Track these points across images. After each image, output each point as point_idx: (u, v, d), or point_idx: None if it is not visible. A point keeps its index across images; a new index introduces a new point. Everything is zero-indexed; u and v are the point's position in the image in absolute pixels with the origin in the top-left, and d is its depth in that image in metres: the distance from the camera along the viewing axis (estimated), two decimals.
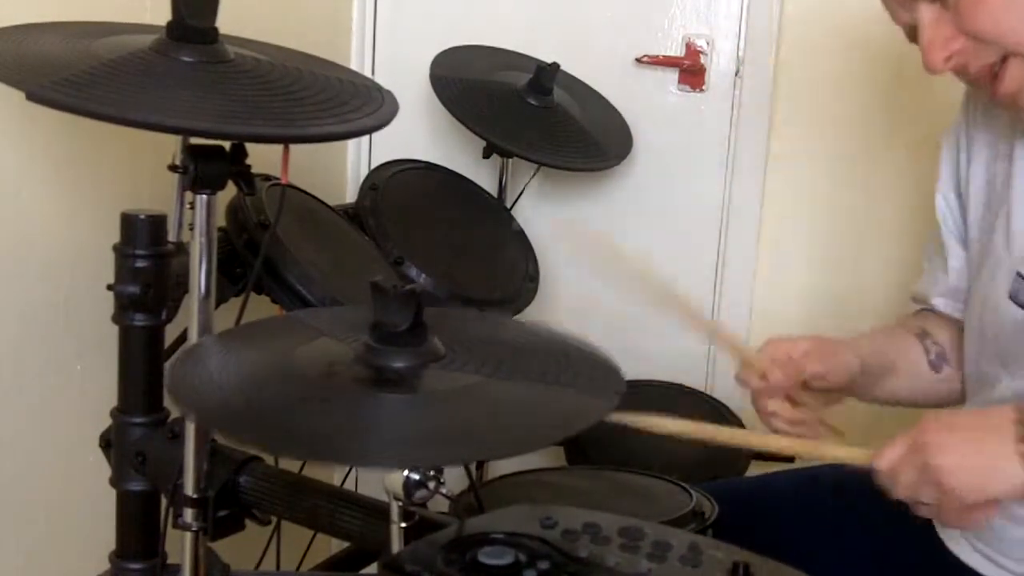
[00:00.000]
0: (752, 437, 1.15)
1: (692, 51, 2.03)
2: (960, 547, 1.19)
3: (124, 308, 1.14)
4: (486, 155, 1.83)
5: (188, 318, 1.11)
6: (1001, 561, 1.15)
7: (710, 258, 2.08)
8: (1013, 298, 1.13)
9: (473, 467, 1.64)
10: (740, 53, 2.02)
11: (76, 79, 0.95)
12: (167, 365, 1.16)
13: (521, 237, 1.90)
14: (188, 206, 1.09)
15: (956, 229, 1.27)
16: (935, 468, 0.97)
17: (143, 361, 1.16)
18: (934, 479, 0.97)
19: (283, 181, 1.11)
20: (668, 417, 1.11)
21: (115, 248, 1.13)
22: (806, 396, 1.19)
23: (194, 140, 1.05)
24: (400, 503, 0.88)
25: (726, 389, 2.07)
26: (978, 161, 1.23)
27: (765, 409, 1.19)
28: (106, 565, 1.20)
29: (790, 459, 1.99)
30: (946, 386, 1.30)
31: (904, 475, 1.00)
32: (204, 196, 1.07)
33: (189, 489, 1.12)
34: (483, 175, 1.96)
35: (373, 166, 1.91)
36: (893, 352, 1.28)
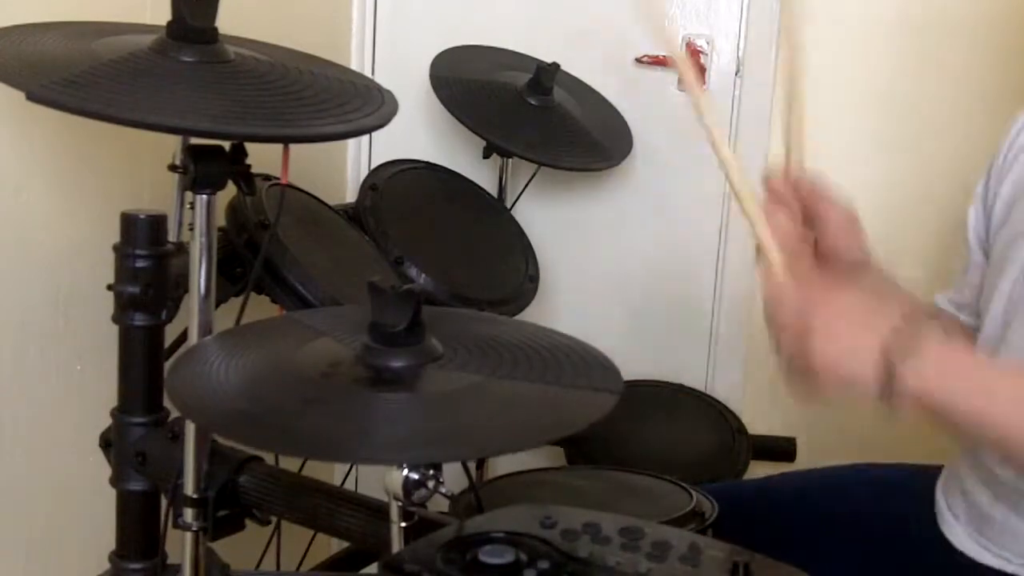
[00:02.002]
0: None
1: (692, 51, 2.03)
2: (962, 540, 1.19)
3: (124, 308, 1.14)
4: (486, 155, 1.83)
5: (188, 318, 1.11)
6: (1004, 554, 1.15)
7: (710, 258, 2.08)
8: None
9: (473, 467, 1.64)
10: (740, 53, 2.02)
11: (76, 79, 0.95)
12: (167, 365, 1.16)
13: (521, 237, 1.90)
14: (188, 206, 1.09)
15: (980, 237, 1.26)
16: (810, 322, 0.95)
17: (143, 361, 1.16)
18: (805, 335, 0.95)
19: (283, 181, 1.11)
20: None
21: (115, 248, 1.14)
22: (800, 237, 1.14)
23: (194, 140, 1.05)
24: (400, 503, 0.88)
25: (726, 389, 2.07)
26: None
27: (768, 208, 1.15)
28: (106, 565, 1.21)
29: (791, 459, 2.00)
30: None
31: (782, 315, 0.98)
32: (204, 196, 1.07)
33: (189, 489, 1.12)
34: (483, 175, 1.96)
35: (373, 166, 1.90)
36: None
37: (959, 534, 1.20)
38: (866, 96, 1.99)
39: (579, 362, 0.91)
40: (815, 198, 1.15)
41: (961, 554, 1.19)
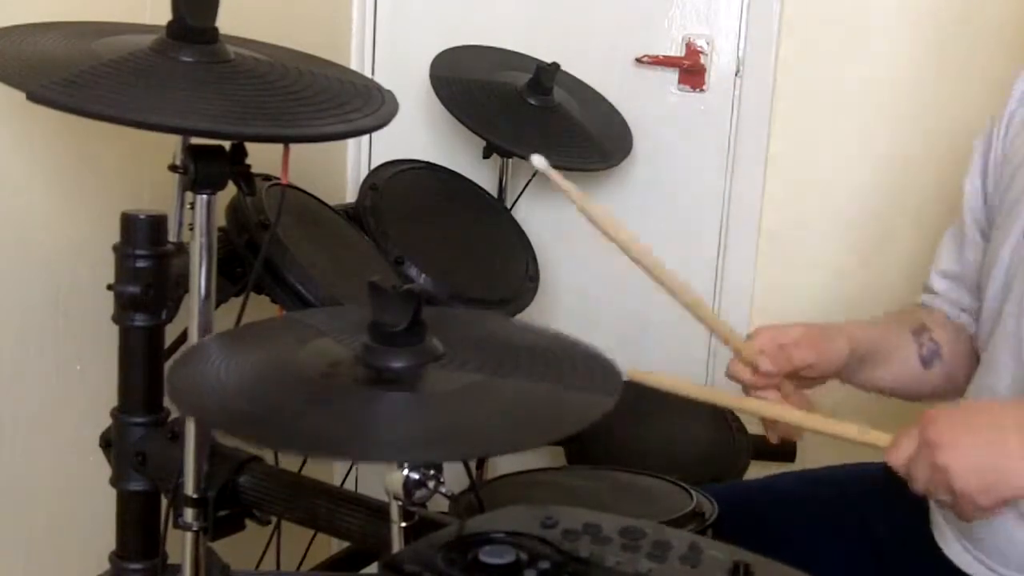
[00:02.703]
0: (766, 407, 1.14)
1: (692, 51, 2.03)
2: (956, 552, 1.19)
3: (124, 308, 1.14)
4: (486, 155, 1.83)
5: (188, 318, 1.11)
6: (998, 569, 1.15)
7: (710, 258, 2.08)
8: None
9: (473, 467, 1.64)
10: (740, 53, 2.02)
11: (76, 79, 0.95)
12: (167, 365, 1.16)
13: (521, 237, 1.90)
14: (188, 206, 1.09)
15: (978, 218, 1.27)
16: (944, 469, 0.96)
17: (143, 361, 1.16)
18: (944, 480, 0.97)
19: (283, 181, 1.11)
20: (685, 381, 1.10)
21: (115, 248, 1.14)
22: (789, 387, 1.18)
23: (194, 140, 1.05)
24: (400, 503, 0.88)
25: (726, 389, 2.07)
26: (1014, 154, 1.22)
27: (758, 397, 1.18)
28: (106, 565, 1.21)
29: (791, 459, 2.00)
30: (932, 383, 1.29)
31: (916, 472, 0.99)
32: (204, 196, 1.07)
33: (189, 489, 1.12)
34: (483, 175, 1.96)
35: (373, 166, 1.90)
36: (885, 343, 1.27)
37: (949, 539, 1.20)
38: (866, 94, 2.00)
39: (579, 362, 0.91)
40: (780, 361, 1.17)
41: (951, 563, 1.19)
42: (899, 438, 1.01)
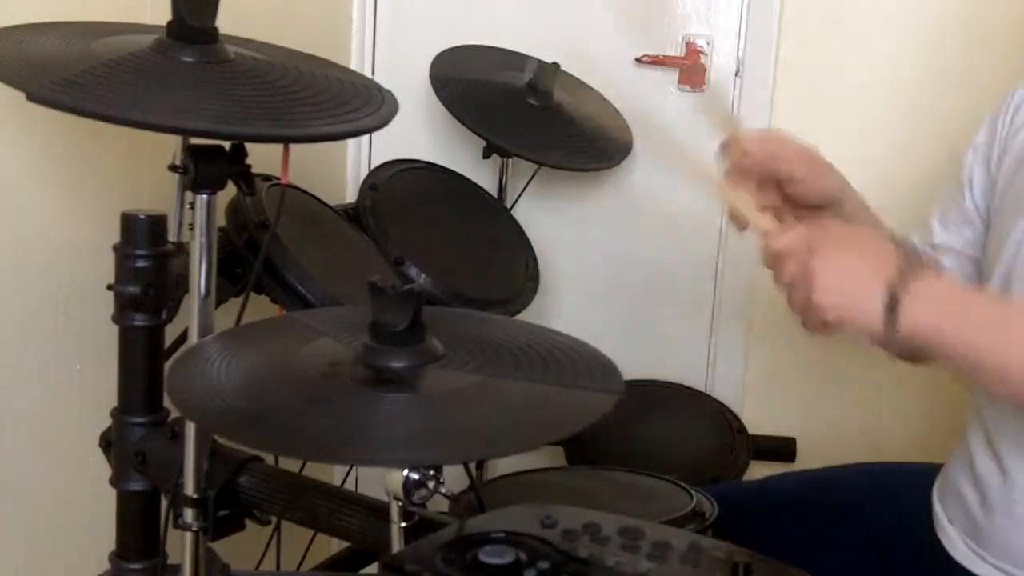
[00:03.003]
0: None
1: (692, 51, 2.03)
2: (960, 551, 1.19)
3: (124, 308, 1.14)
4: (486, 155, 1.83)
5: (188, 318, 1.11)
6: (1002, 566, 1.15)
7: (710, 258, 2.08)
8: None
9: (473, 467, 1.64)
10: (740, 53, 2.02)
11: (76, 79, 0.95)
12: (167, 365, 1.16)
13: (521, 237, 1.90)
14: (188, 206, 1.09)
15: (977, 192, 1.26)
16: (812, 275, 0.97)
17: (143, 361, 1.16)
18: (807, 283, 0.98)
19: (283, 181, 1.11)
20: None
21: (115, 248, 1.14)
22: (774, 197, 1.18)
23: (194, 140, 1.05)
24: (400, 503, 0.88)
25: (726, 389, 2.07)
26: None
27: (730, 183, 1.18)
28: (106, 565, 1.21)
29: (791, 459, 2.00)
30: None
31: (788, 264, 1.01)
32: (204, 196, 1.07)
33: (189, 489, 1.12)
34: (483, 175, 1.96)
35: (373, 166, 1.90)
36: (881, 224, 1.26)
37: (953, 539, 1.20)
38: (866, 94, 2.00)
39: (579, 362, 0.91)
40: (770, 163, 1.17)
41: (955, 562, 1.19)
42: (788, 228, 1.03)
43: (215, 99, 0.98)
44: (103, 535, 1.21)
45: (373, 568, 1.34)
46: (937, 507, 1.23)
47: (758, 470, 1.81)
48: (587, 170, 2.01)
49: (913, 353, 1.11)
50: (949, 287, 1.00)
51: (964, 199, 1.27)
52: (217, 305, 1.13)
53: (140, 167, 1.41)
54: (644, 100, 2.04)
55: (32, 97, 0.91)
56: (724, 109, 1.20)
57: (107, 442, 1.21)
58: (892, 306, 0.94)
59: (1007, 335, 0.96)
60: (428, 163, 1.88)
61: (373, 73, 2.13)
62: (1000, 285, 1.16)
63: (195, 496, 1.12)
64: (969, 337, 0.96)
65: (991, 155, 1.24)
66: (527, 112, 1.86)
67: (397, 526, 0.90)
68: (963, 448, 1.21)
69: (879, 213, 1.29)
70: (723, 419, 1.93)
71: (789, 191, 1.19)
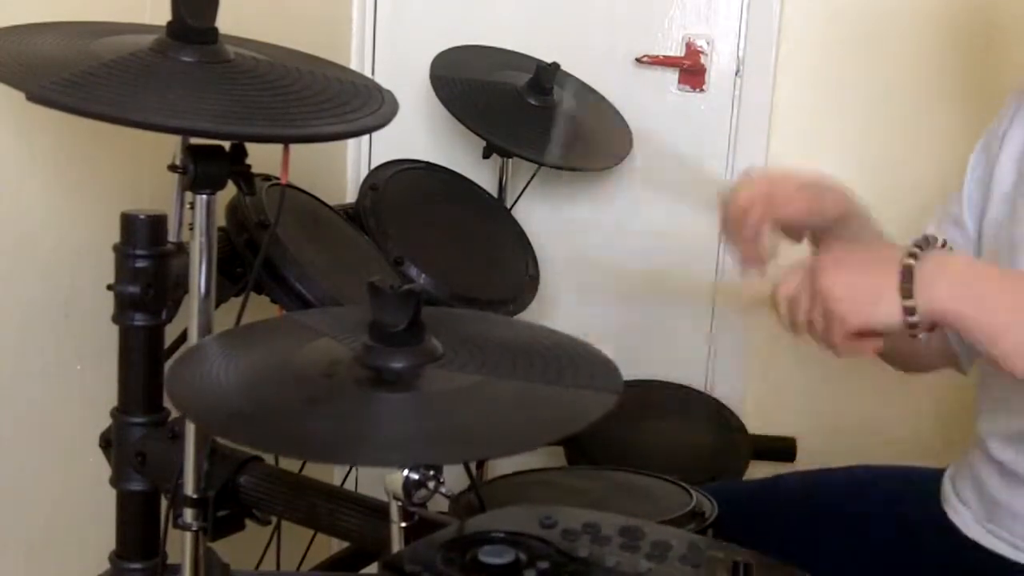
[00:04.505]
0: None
1: (692, 51, 2.03)
2: (969, 526, 1.19)
3: (124, 308, 1.14)
4: (486, 155, 1.83)
5: (188, 318, 1.11)
6: (1015, 540, 1.15)
7: (710, 258, 2.08)
8: None
9: (473, 467, 1.64)
10: (740, 53, 2.02)
11: (76, 79, 0.95)
12: (167, 365, 1.16)
13: (521, 237, 1.90)
14: (188, 206, 1.09)
15: (974, 202, 1.26)
16: (823, 291, 0.97)
17: (143, 361, 1.16)
18: (822, 303, 0.98)
19: (283, 181, 1.11)
20: None
21: (115, 248, 1.14)
22: (773, 236, 1.19)
23: (194, 140, 1.05)
24: (400, 503, 0.88)
25: (726, 389, 2.07)
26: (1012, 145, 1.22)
27: (730, 231, 1.21)
28: (106, 565, 1.21)
29: (791, 459, 2.00)
30: (928, 346, 1.26)
31: (800, 302, 1.00)
32: (204, 196, 1.07)
33: (189, 489, 1.12)
34: (483, 175, 1.96)
35: (373, 166, 1.90)
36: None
37: (967, 520, 1.20)
38: (866, 94, 2.00)
39: (579, 362, 0.91)
40: (767, 212, 1.18)
41: (968, 539, 1.19)
42: (787, 275, 1.03)
43: (215, 99, 0.98)
44: (103, 535, 1.21)
45: (373, 568, 1.34)
46: (949, 490, 1.24)
47: (758, 470, 1.81)
48: (587, 170, 2.01)
49: (917, 355, 1.10)
50: (962, 260, 1.00)
51: (962, 212, 1.27)
52: (217, 305, 1.13)
53: (140, 167, 1.41)
54: (644, 100, 2.05)
55: (32, 97, 0.91)
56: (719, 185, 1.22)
57: (107, 442, 1.21)
58: (907, 288, 0.94)
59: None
60: (428, 163, 1.88)
61: (373, 73, 2.13)
62: None
63: (195, 496, 1.12)
64: (987, 306, 0.94)
65: (988, 173, 1.25)
66: (527, 112, 1.86)
67: (397, 526, 0.90)
68: (977, 431, 1.21)
69: (879, 217, 1.29)
70: (723, 419, 1.94)
71: (787, 232, 1.21)
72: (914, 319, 0.94)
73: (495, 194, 1.96)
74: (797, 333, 1.02)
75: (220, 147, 1.06)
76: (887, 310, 0.95)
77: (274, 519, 1.20)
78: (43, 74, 0.95)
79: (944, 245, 0.99)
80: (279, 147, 1.07)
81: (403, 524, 0.90)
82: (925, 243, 0.97)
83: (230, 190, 1.11)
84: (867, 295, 0.96)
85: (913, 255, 0.95)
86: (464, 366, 0.87)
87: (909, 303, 0.94)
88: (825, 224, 1.21)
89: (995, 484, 1.17)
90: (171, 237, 1.15)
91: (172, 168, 1.07)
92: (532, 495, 1.37)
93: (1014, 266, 1.15)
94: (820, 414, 2.06)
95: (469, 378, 0.85)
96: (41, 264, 1.33)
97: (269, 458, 1.17)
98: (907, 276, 0.94)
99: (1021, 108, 1.23)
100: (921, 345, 1.20)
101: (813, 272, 0.99)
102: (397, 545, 0.91)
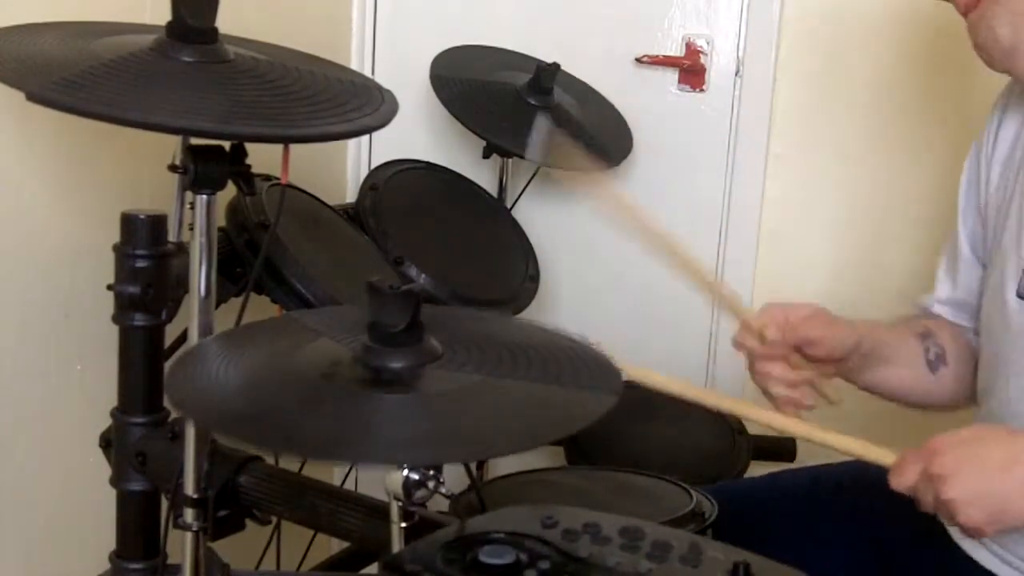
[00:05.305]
0: (765, 415, 1.14)
1: (692, 51, 2.03)
2: (967, 542, 1.19)
3: (124, 308, 1.14)
4: (486, 155, 1.83)
5: (188, 318, 1.11)
6: (1008, 557, 1.15)
7: (710, 258, 2.08)
8: (1021, 295, 1.13)
9: (473, 467, 1.64)
10: (740, 53, 2.02)
11: (76, 79, 0.95)
12: (167, 365, 1.16)
13: (521, 237, 1.90)
14: (188, 206, 1.09)
15: (971, 228, 1.27)
16: (948, 503, 0.97)
17: (143, 361, 1.16)
18: (950, 512, 0.98)
19: (283, 181, 1.11)
20: (674, 379, 1.10)
21: (115, 248, 1.14)
22: (801, 361, 1.19)
23: (194, 140, 1.05)
24: (400, 503, 0.88)
25: (726, 389, 2.07)
26: (999, 156, 1.23)
27: (762, 371, 1.19)
28: (106, 565, 1.21)
29: (791, 459, 2.00)
30: (940, 388, 1.28)
31: (922, 498, 1.01)
32: (204, 196, 1.07)
33: (189, 489, 1.12)
34: (483, 175, 1.96)
35: (373, 166, 1.90)
36: (892, 342, 1.27)
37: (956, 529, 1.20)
38: (866, 94, 2.00)
39: (579, 362, 0.91)
40: (785, 334, 1.18)
41: (958, 548, 1.19)
42: (903, 464, 1.02)
43: (215, 99, 0.98)
44: (103, 535, 1.21)
45: (373, 568, 1.34)
46: None
47: (758, 470, 1.80)
48: (587, 170, 2.01)
49: None
50: None
51: (960, 242, 1.28)
52: (217, 305, 1.13)
53: (140, 167, 1.41)
54: (644, 100, 2.05)
55: (32, 97, 0.91)
56: (734, 302, 1.21)
57: (107, 442, 1.21)
58: None
59: None
60: (428, 163, 1.88)
61: (373, 73, 2.13)
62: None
63: (195, 496, 1.12)
64: None
65: (979, 188, 1.25)
66: (527, 112, 1.86)
67: (397, 526, 0.90)
68: None
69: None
70: (723, 419, 1.93)
71: (809, 353, 1.19)
72: None
73: (495, 194, 1.96)
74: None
75: (220, 147, 1.06)
76: (1019, 518, 0.96)
77: (274, 519, 1.20)
78: (43, 74, 0.95)
79: None
80: (279, 147, 1.07)
81: (403, 524, 0.90)
82: None
83: (230, 190, 1.11)
84: (997, 506, 0.97)
85: None
86: (464, 366, 0.86)
87: None
88: (842, 349, 1.20)
89: None
90: (171, 237, 1.15)
91: (172, 168, 1.07)
92: (532, 495, 1.36)
93: (1003, 277, 1.15)
94: (820, 414, 2.06)
95: (469, 378, 0.85)
96: (41, 264, 1.33)
97: (269, 458, 1.17)
98: None
99: (1007, 112, 1.24)
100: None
101: (935, 479, 0.98)
102: (397, 545, 0.91)
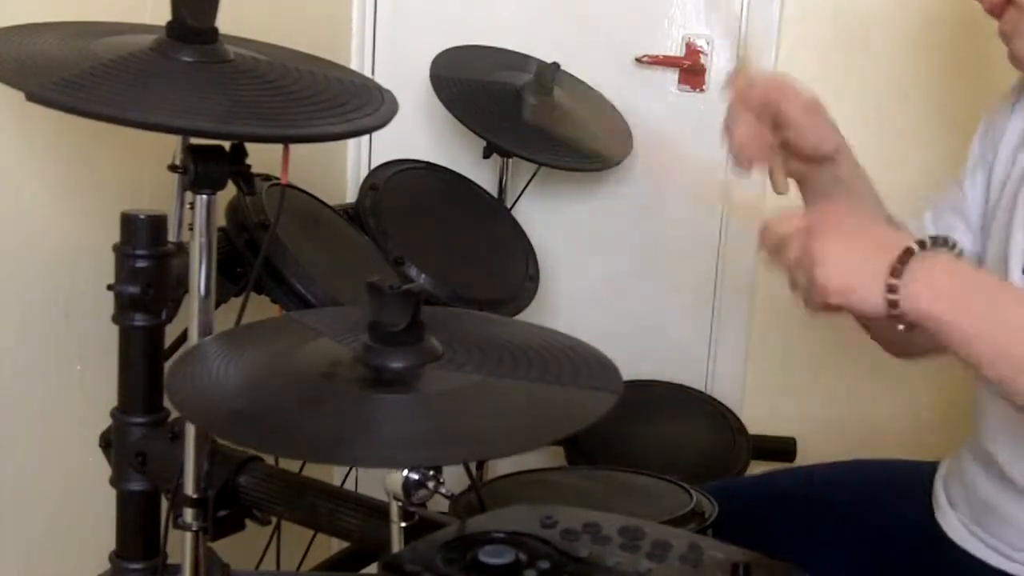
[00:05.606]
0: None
1: (692, 51, 2.03)
2: (956, 529, 1.19)
3: (124, 308, 1.14)
4: (486, 155, 1.83)
5: (188, 318, 1.11)
6: (1005, 550, 1.15)
7: (710, 258, 2.08)
8: None
9: (473, 467, 1.64)
10: (740, 53, 2.02)
11: (76, 79, 0.95)
12: (167, 365, 1.16)
13: (521, 237, 1.90)
14: (188, 206, 1.09)
15: (974, 197, 1.26)
16: (814, 254, 0.95)
17: (143, 361, 1.16)
18: (809, 264, 0.95)
19: (283, 181, 1.11)
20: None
21: (115, 248, 1.14)
22: (769, 136, 1.18)
23: (194, 140, 1.05)
24: (400, 503, 0.88)
25: (726, 389, 2.07)
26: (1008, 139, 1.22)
27: (734, 111, 1.18)
28: (106, 565, 1.21)
29: (791, 459, 2.00)
30: None
31: (789, 248, 0.98)
32: (204, 196, 1.07)
33: (189, 489, 1.12)
34: (483, 175, 1.96)
35: (373, 166, 1.91)
36: (871, 192, 1.26)
37: (954, 524, 1.20)
38: (866, 95, 2.00)
39: (579, 362, 0.91)
40: (774, 97, 1.17)
41: (955, 545, 1.19)
42: (788, 215, 1.01)
43: (215, 99, 0.98)
44: (103, 535, 1.21)
45: (373, 568, 1.34)
46: (940, 492, 1.24)
47: (758, 470, 1.81)
48: (587, 170, 2.01)
49: (911, 342, 1.09)
50: (952, 271, 0.96)
51: (964, 195, 1.27)
52: (217, 305, 1.13)
53: (140, 167, 1.41)
54: (644, 100, 2.05)
55: (32, 97, 0.91)
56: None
57: (107, 442, 1.21)
58: (893, 288, 0.92)
59: (1003, 324, 0.93)
60: (428, 163, 1.88)
61: (373, 73, 2.13)
62: None
63: (195, 496, 1.12)
64: (966, 325, 0.92)
65: (988, 161, 1.25)
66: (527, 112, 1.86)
67: (397, 526, 0.90)
68: (972, 434, 1.21)
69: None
70: (723, 419, 1.93)
71: (785, 135, 1.18)
72: (896, 312, 0.92)
73: (495, 194, 1.96)
74: (773, 266, 1.01)
75: (220, 147, 1.06)
76: (871, 300, 0.93)
77: (274, 519, 1.20)
78: (43, 74, 0.95)
79: (955, 247, 0.96)
80: (279, 147, 1.07)
81: (403, 524, 0.90)
82: (935, 242, 0.94)
83: (230, 190, 1.11)
84: (855, 276, 0.94)
85: (909, 251, 0.92)
86: (464, 366, 0.87)
87: (893, 297, 0.91)
88: (816, 146, 1.19)
89: (984, 490, 1.17)
90: (171, 237, 1.15)
91: (172, 168, 1.07)
92: (532, 495, 1.37)
93: (1007, 254, 1.15)
94: (820, 414, 2.06)
95: (469, 378, 0.85)
96: (41, 264, 1.33)
97: (269, 458, 1.17)
98: (899, 271, 0.92)
99: (1020, 99, 1.23)
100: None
101: (811, 229, 0.97)
102: (397, 545, 0.91)
